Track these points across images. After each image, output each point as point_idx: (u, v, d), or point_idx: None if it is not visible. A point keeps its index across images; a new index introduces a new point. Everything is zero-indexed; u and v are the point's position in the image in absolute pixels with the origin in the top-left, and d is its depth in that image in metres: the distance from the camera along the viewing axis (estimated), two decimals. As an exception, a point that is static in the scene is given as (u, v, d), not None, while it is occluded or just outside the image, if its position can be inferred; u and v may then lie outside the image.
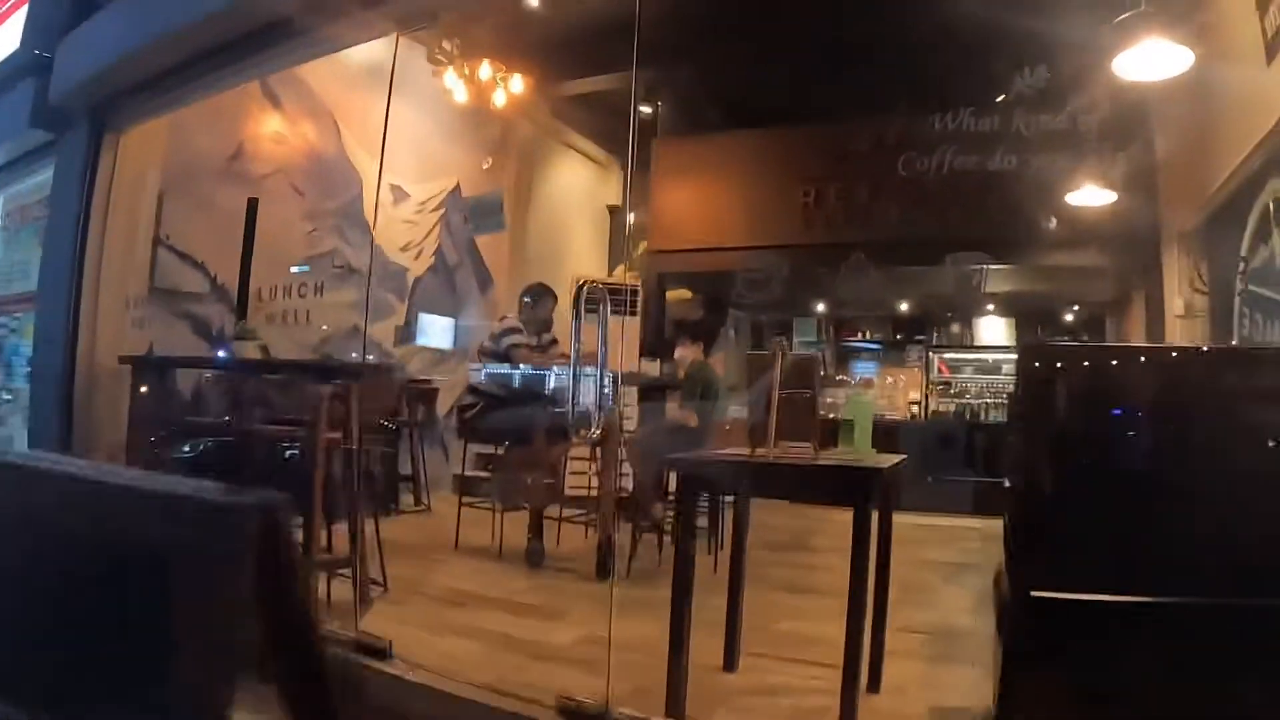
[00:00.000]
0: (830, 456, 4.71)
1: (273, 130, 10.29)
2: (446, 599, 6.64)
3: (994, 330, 15.78)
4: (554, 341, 8.41)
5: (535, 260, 13.73)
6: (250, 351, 7.89)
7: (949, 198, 11.25)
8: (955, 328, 16.23)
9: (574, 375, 6.35)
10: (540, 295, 8.51)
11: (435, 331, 12.46)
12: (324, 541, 6.04)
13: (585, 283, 6.55)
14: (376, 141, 11.23)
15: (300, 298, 10.52)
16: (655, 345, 12.23)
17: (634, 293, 12.62)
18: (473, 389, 8.30)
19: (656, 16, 10.96)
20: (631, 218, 12.84)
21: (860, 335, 17.41)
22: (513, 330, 8.19)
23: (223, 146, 9.68)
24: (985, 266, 12.31)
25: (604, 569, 7.22)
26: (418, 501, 10.59)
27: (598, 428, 6.50)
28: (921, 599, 6.70)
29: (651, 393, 10.01)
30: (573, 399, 6.56)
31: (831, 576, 4.75)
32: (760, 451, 4.30)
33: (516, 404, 8.00)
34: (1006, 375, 14.58)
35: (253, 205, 9.14)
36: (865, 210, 11.80)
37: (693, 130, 13.81)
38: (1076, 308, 15.25)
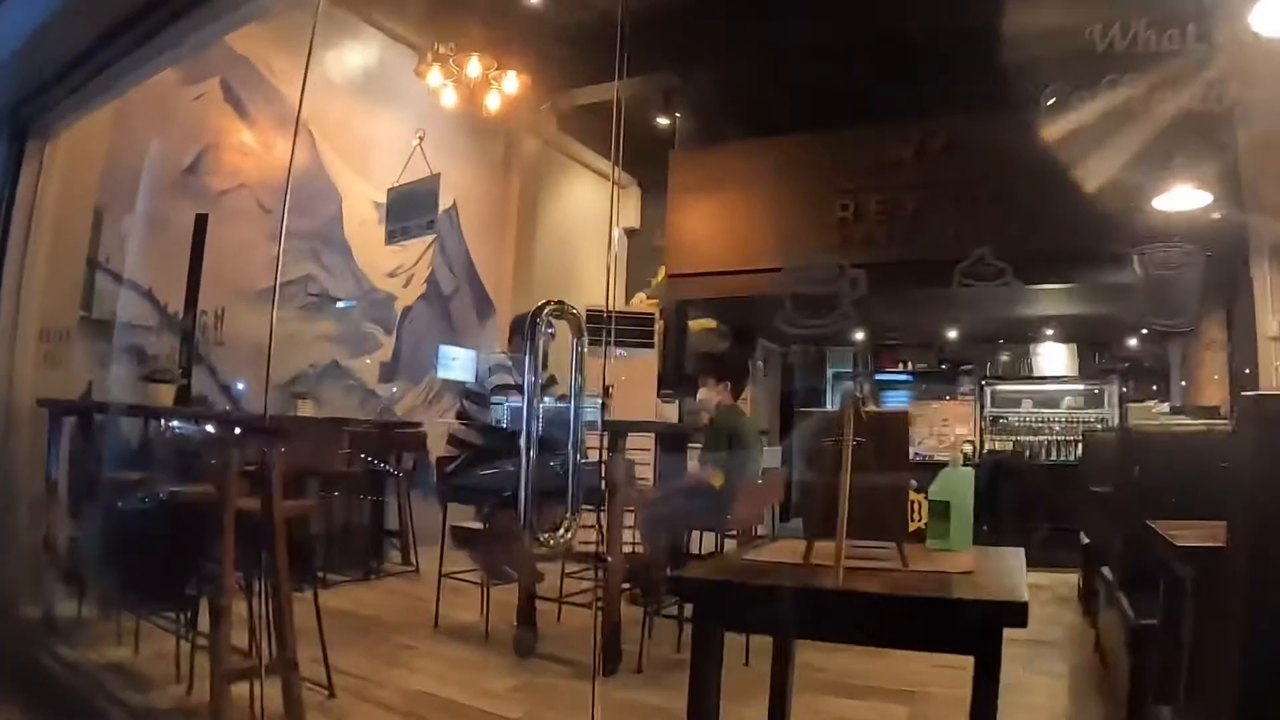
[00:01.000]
0: (926, 563, 3.02)
1: (237, 140, 9.09)
2: (405, 708, 5.25)
3: (1053, 358, 14.39)
4: (552, 381, 7.06)
5: (542, 286, 12.67)
6: (162, 396, 6.55)
7: (1009, 207, 9.98)
8: (1007, 356, 14.87)
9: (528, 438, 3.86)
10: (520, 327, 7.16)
11: (457, 365, 11.18)
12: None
13: (547, 304, 5.15)
14: (359, 154, 10.10)
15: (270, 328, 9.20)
16: (676, 383, 10.92)
17: (646, 321, 11.35)
18: (453, 438, 6.93)
19: (668, 16, 10.10)
20: (615, 233, 11.48)
21: (901, 366, 16.07)
22: (500, 368, 6.84)
23: (176, 157, 8.49)
24: (1047, 286, 10.97)
25: (610, 657, 5.84)
26: (405, 560, 9.51)
27: (570, 526, 3.94)
28: (1016, 703, 5.20)
29: (671, 442, 8.72)
30: (525, 479, 3.84)
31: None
32: (820, 559, 2.81)
33: (505, 456, 6.60)
34: (1069, 410, 13.25)
35: (201, 222, 7.86)
36: (911, 224, 10.55)
37: (714, 140, 12.51)
38: (1145, 331, 13.78)
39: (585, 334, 4.02)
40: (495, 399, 6.72)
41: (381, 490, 9.67)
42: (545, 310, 3.90)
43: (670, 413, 8.29)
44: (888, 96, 10.79)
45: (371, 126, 10.37)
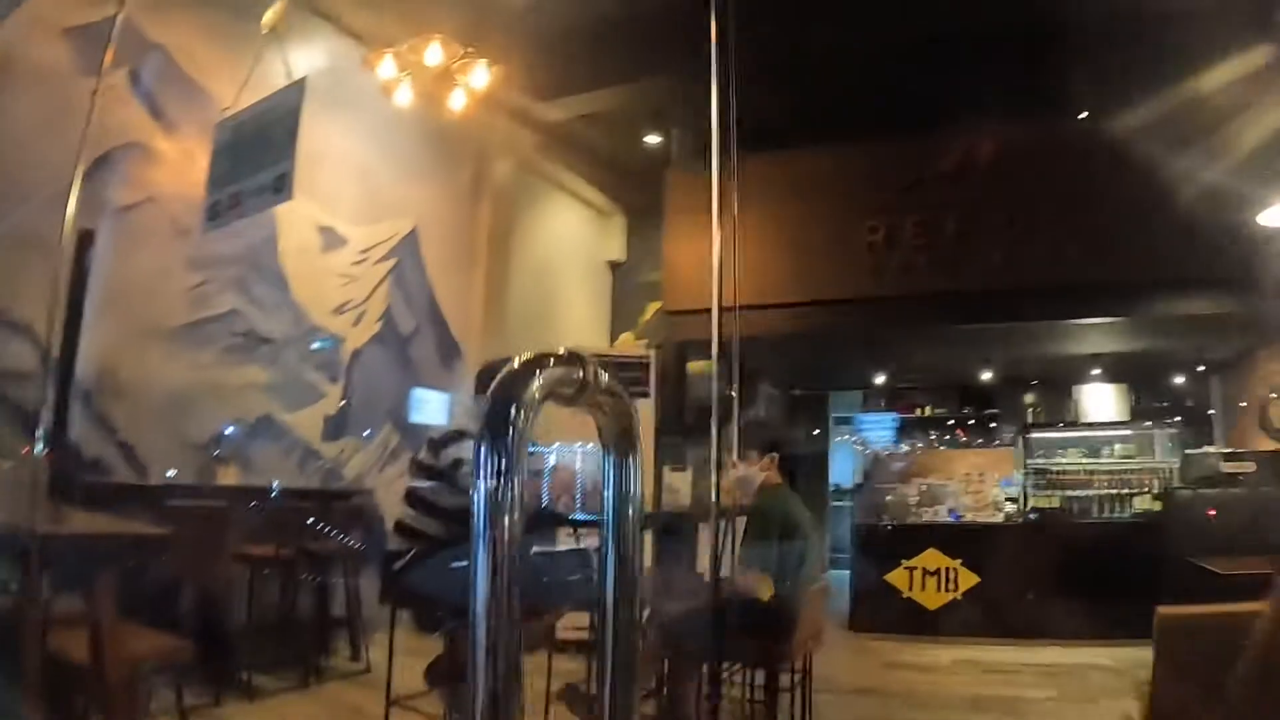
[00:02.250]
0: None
1: (147, 145, 7.49)
2: None
3: (1098, 401, 12.93)
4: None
5: (517, 326, 11.28)
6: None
7: (1068, 229, 8.80)
8: (1032, 398, 13.50)
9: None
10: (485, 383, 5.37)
11: (431, 409, 9.90)
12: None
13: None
14: (301, 167, 8.40)
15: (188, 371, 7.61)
16: (678, 443, 9.36)
17: (640, 366, 9.83)
18: (400, 527, 5.20)
19: (661, 13, 8.82)
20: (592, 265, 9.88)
21: (918, 411, 14.59)
22: (461, 436, 5.11)
23: (65, 163, 6.76)
24: (1093, 321, 9.62)
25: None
26: (354, 656, 7.97)
27: None
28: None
29: (672, 528, 7.09)
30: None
31: None
32: None
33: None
34: (1121, 459, 11.72)
35: (85, 240, 6.17)
36: (955, 248, 9.17)
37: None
38: (1202, 368, 12.67)
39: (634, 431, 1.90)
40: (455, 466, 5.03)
41: (325, 571, 8.06)
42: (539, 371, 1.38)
43: (680, 484, 6.48)
44: (922, 102, 9.43)
45: (316, 134, 8.74)
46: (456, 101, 8.31)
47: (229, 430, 7.90)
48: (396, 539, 5.15)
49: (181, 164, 7.62)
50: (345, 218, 9.22)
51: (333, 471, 8.89)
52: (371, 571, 8.37)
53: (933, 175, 9.29)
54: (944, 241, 9.13)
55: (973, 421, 14.18)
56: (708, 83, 10.36)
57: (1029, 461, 11.42)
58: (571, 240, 13.22)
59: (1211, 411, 12.97)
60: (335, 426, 8.98)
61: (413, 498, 5.15)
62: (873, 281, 9.26)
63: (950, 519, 10.96)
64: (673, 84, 10.34)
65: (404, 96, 8.21)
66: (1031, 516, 10.92)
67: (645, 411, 9.75)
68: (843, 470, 16.35)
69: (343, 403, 9.09)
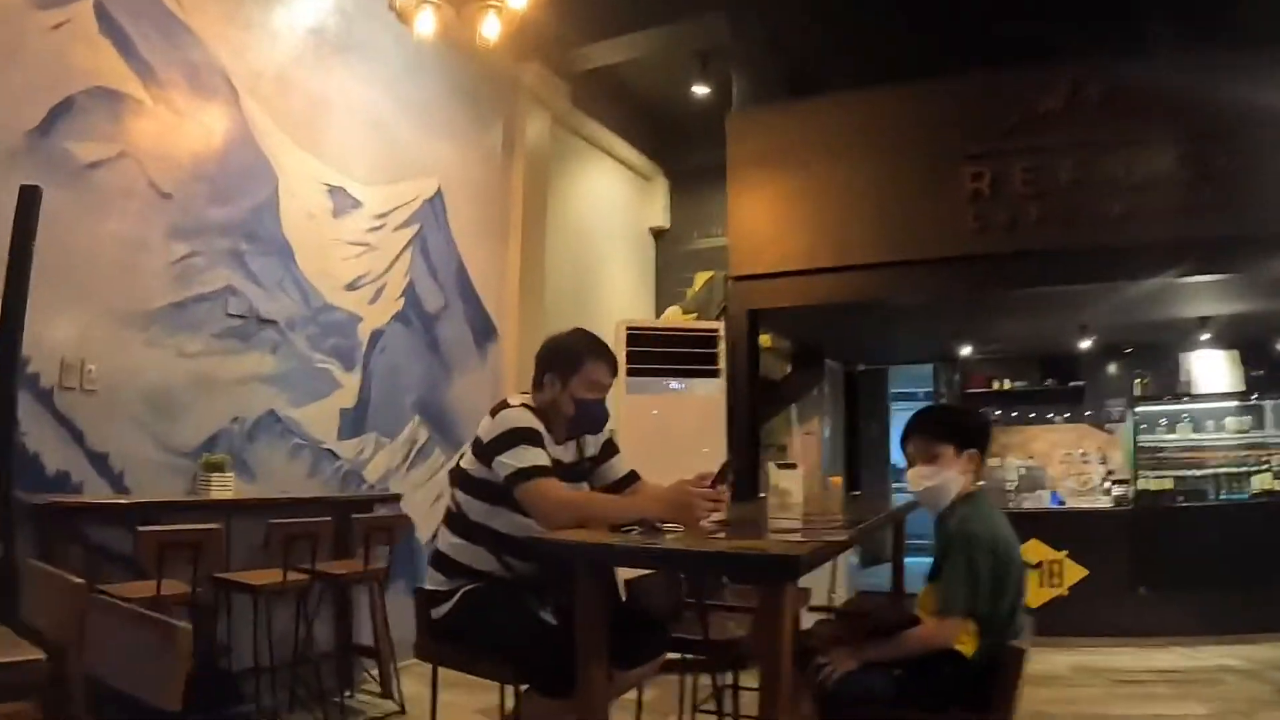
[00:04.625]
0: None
1: (118, 91, 6.18)
2: None
3: (1209, 370, 11.47)
4: (611, 450, 4.30)
5: (556, 299, 10.15)
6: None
7: (1197, 174, 7.67)
8: (1142, 368, 11.92)
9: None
10: (581, 356, 4.02)
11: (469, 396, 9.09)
12: None
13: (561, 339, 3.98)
14: (305, 119, 7.50)
15: (173, 362, 6.40)
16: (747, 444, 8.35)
17: (708, 341, 8.86)
18: (440, 560, 3.90)
19: None
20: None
21: (994, 384, 13.17)
22: (521, 434, 3.75)
23: (21, 112, 5.65)
24: (1203, 279, 8.21)
25: None
26: (385, 692, 6.86)
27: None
28: None
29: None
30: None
31: None
32: None
33: (543, 593, 3.80)
34: (1238, 434, 10.42)
35: (29, 198, 4.83)
36: (1067, 199, 7.96)
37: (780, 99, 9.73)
38: None
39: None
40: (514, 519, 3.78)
41: (346, 594, 7.00)
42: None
43: (791, 485, 5.10)
44: (1024, 29, 8.26)
45: (322, 80, 7.72)
46: (490, 29, 6.92)
47: (225, 432, 6.64)
48: (435, 575, 3.83)
49: (162, 114, 6.40)
50: (359, 177, 7.97)
51: (352, 474, 7.66)
52: (402, 589, 7.21)
53: (1039, 115, 8.01)
54: (1057, 190, 7.89)
55: (1056, 395, 12.69)
56: (769, 12, 9.20)
57: (1138, 439, 10.11)
58: (612, 205, 12.11)
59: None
60: (353, 422, 7.76)
61: (455, 520, 3.83)
62: (976, 237, 7.99)
63: (1052, 504, 10.04)
64: (728, 20, 9.26)
65: (425, 25, 6.84)
66: (1142, 500, 9.66)
67: (714, 394, 8.51)
68: (900, 451, 15.13)
69: (361, 394, 7.85)
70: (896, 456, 14.74)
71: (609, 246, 11.91)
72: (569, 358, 3.99)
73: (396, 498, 7.58)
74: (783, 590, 2.82)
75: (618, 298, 11.83)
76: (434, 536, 4.85)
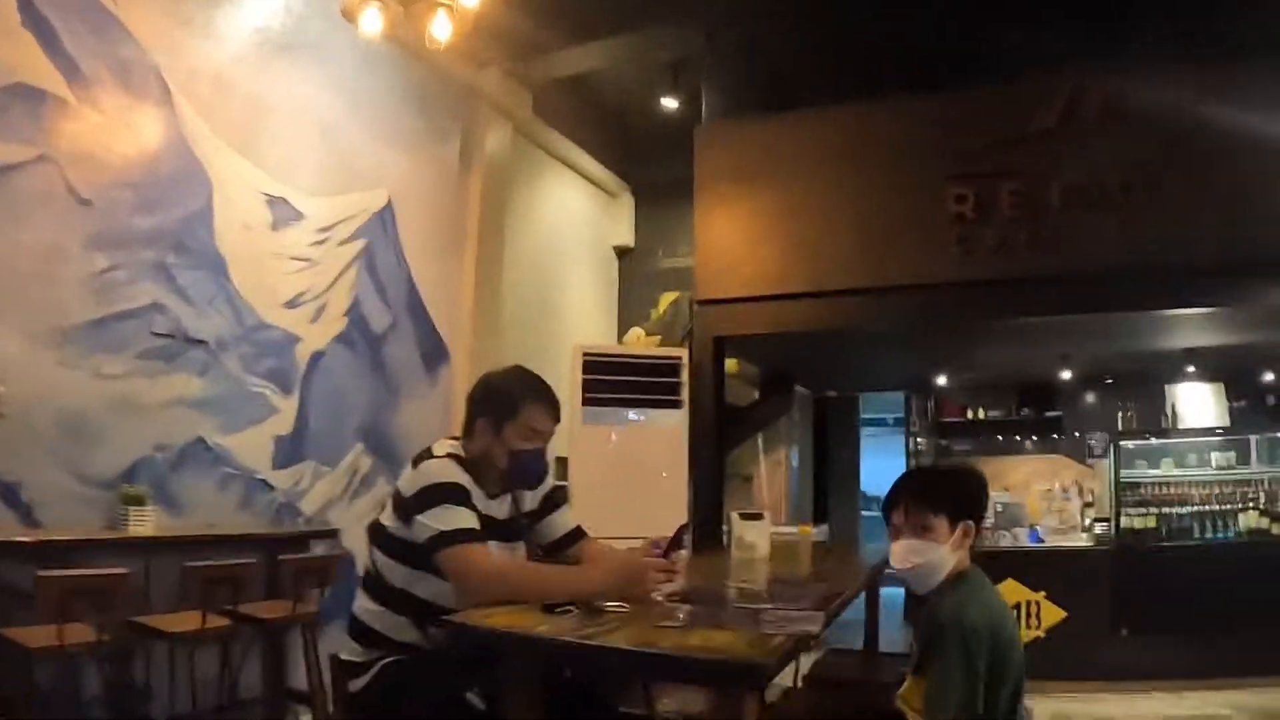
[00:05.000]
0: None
1: (39, 89, 5.80)
2: None
3: (1194, 403, 11.26)
4: (552, 503, 3.85)
5: (514, 320, 9.78)
6: None
7: (1201, 195, 7.23)
8: (1126, 401, 11.73)
9: None
10: (519, 399, 3.59)
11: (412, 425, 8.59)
12: None
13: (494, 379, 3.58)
14: (243, 123, 7.08)
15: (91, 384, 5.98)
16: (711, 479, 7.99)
17: (670, 369, 8.46)
18: (356, 626, 3.45)
19: None
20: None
21: (969, 413, 13.00)
22: (443, 491, 3.31)
23: None
24: (1188, 312, 7.97)
25: None
26: None
27: None
28: None
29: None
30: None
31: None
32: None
33: (471, 670, 3.13)
34: (1223, 470, 9.92)
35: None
36: (1059, 221, 7.54)
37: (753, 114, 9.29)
38: None
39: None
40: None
41: (280, 637, 6.40)
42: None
43: (756, 538, 4.64)
44: (1015, 41, 7.91)
45: (264, 81, 7.32)
46: (440, 30, 6.50)
47: (147, 461, 6.20)
48: (352, 644, 3.39)
49: (87, 115, 6.03)
50: (302, 187, 7.56)
51: (287, 507, 7.23)
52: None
53: (1030, 132, 7.61)
54: (1048, 213, 7.49)
55: (1033, 425, 12.56)
56: (743, 21, 8.84)
57: (1120, 474, 9.76)
58: (574, 221, 11.71)
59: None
60: (290, 450, 7.33)
61: (374, 584, 3.38)
62: (960, 262, 7.61)
63: (1030, 542, 9.64)
64: (701, 29, 8.90)
65: (371, 23, 6.42)
66: (1124, 539, 9.34)
67: (676, 426, 8.07)
68: (874, 478, 15.25)
69: (299, 419, 7.43)
70: (867, 484, 15.06)
71: (571, 265, 11.54)
72: (504, 401, 3.54)
73: (333, 533, 7.14)
74: (743, 699, 2.48)
75: (579, 318, 11.44)
76: (555, 552, 4.40)
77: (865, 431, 15.49)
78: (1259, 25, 7.25)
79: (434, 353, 8.78)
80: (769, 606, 2.94)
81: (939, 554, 3.30)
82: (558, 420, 3.66)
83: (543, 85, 9.90)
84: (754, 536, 4.52)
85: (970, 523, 3.36)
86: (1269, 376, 11.49)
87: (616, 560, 3.32)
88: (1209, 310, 7.77)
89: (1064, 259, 7.40)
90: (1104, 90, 7.44)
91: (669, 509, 7.65)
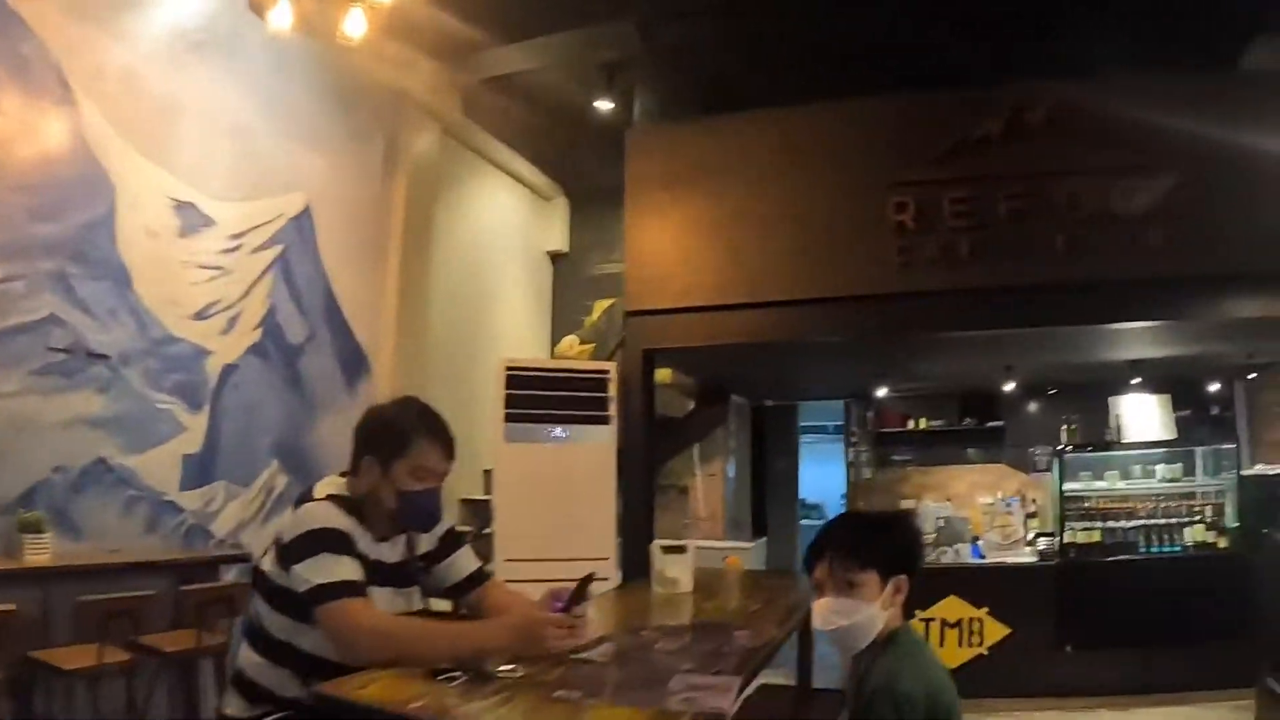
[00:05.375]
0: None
1: None
2: None
3: (1139, 415, 11.04)
4: (451, 544, 3.53)
5: (441, 331, 9.54)
6: None
7: (1147, 211, 7.19)
8: (1070, 412, 11.64)
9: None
10: (408, 435, 3.26)
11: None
12: None
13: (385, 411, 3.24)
14: (153, 127, 7.11)
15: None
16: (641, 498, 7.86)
17: (598, 384, 8.03)
18: (240, 680, 3.13)
19: None
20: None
21: (911, 423, 13.11)
22: (321, 539, 3.02)
23: None
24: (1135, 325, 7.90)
25: None
26: None
27: None
28: None
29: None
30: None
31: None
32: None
33: None
34: (1168, 482, 9.67)
35: None
36: (1006, 232, 7.42)
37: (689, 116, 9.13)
38: (1252, 375, 11.32)
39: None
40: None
41: (189, 669, 6.08)
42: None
43: (679, 571, 4.41)
44: (961, 48, 7.94)
45: (174, 80, 7.02)
46: (354, 27, 6.24)
47: (45, 484, 5.90)
48: (235, 698, 3.10)
49: None
50: (213, 192, 7.30)
51: (197, 530, 6.93)
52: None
53: (975, 140, 7.48)
54: (995, 222, 7.37)
55: (975, 435, 12.70)
56: (681, 20, 8.62)
57: (1064, 487, 9.63)
58: (506, 226, 11.51)
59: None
60: (199, 469, 7.04)
61: (256, 635, 3.11)
62: (901, 273, 7.47)
63: (973, 558, 9.44)
64: (637, 29, 8.63)
65: (282, 19, 6.15)
66: (1068, 554, 9.20)
67: (605, 443, 7.78)
68: (813, 485, 15.45)
69: (209, 437, 7.12)
70: (806, 491, 14.94)
71: (502, 271, 11.32)
72: (393, 437, 3.20)
73: (245, 557, 6.73)
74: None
75: (511, 327, 11.24)
76: (456, 597, 4.08)
77: (805, 439, 15.30)
78: (1207, 37, 7.20)
79: (355, 364, 8.51)
80: (681, 670, 2.68)
81: (868, 613, 2.98)
82: (452, 458, 3.32)
83: (473, 86, 9.65)
84: (676, 571, 4.25)
85: (903, 577, 3.05)
86: (1213, 387, 11.54)
87: (515, 617, 3.02)
88: (1154, 324, 7.69)
89: (1008, 271, 7.28)
90: (1050, 100, 7.33)
91: (597, 530, 7.43)
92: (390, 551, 3.25)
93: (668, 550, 4.46)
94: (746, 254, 7.90)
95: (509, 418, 7.45)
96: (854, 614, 2.98)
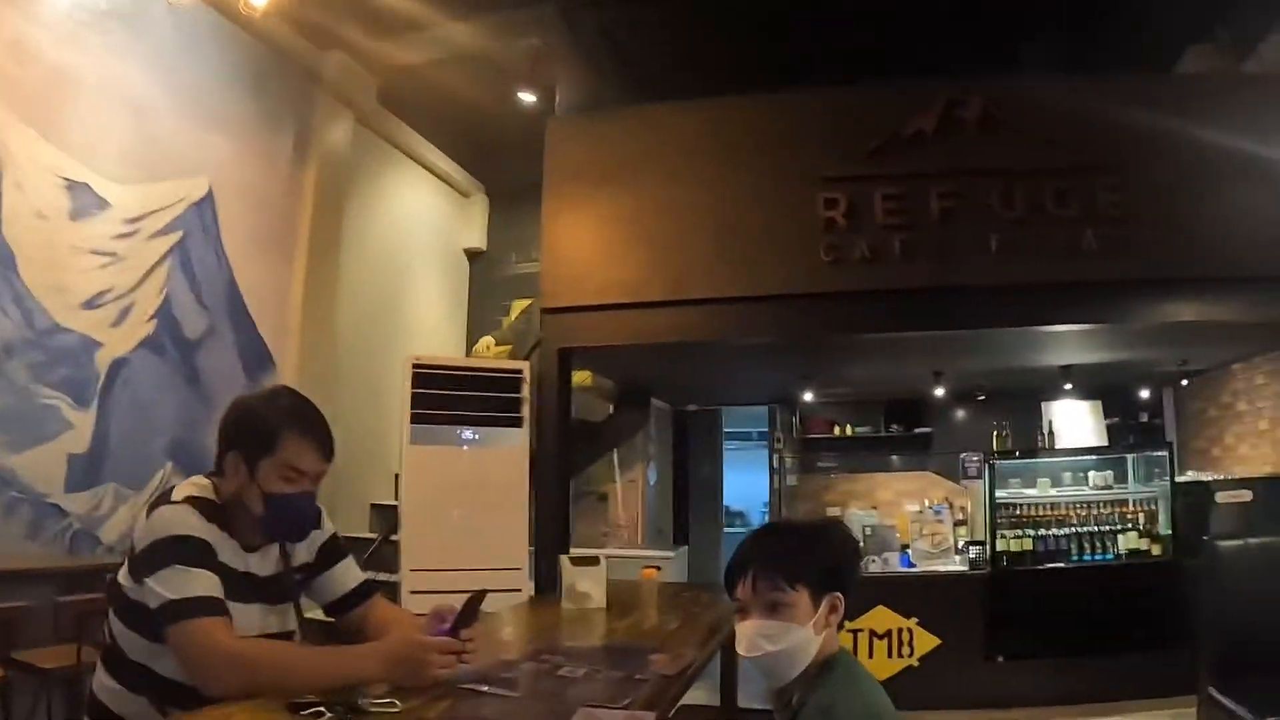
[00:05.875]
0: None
1: None
2: None
3: (1071, 421, 11.04)
4: (333, 555, 3.22)
5: (352, 327, 9.29)
6: None
7: (1085, 211, 7.05)
8: (1001, 418, 11.37)
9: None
10: (276, 430, 2.89)
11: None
12: None
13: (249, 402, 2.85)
14: (43, 99, 6.57)
15: None
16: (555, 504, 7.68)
17: (511, 384, 7.72)
18: (94, 707, 2.81)
19: None
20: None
21: (836, 429, 13.17)
22: (174, 547, 2.67)
23: None
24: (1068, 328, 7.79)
25: None
26: None
27: None
28: None
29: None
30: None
31: None
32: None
33: None
34: (1101, 490, 9.61)
35: None
36: (939, 231, 7.21)
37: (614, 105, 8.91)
38: (1185, 382, 11.36)
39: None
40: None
41: (73, 686, 5.63)
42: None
43: (591, 585, 4.15)
44: (895, 42, 7.99)
45: (71, 53, 6.67)
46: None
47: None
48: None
49: None
50: (108, 172, 6.92)
51: (84, 535, 6.55)
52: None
53: (907, 136, 7.28)
54: (927, 221, 7.18)
55: (902, 442, 12.77)
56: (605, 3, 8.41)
57: (994, 495, 9.51)
58: (422, 221, 11.28)
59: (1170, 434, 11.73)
60: (87, 470, 6.66)
61: (111, 657, 2.82)
62: (829, 272, 7.25)
63: (902, 566, 9.37)
64: (559, 16, 8.52)
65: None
66: (999, 563, 9.15)
67: (518, 446, 7.49)
68: (737, 493, 15.46)
69: (97, 435, 6.74)
70: (730, 498, 14.90)
71: (418, 268, 11.08)
72: (258, 432, 2.86)
73: (113, 572, 6.40)
74: None
75: (425, 325, 11.00)
76: (339, 613, 3.68)
77: (729, 445, 15.23)
78: (1144, 38, 7.10)
79: (257, 360, 8.16)
80: (586, 704, 2.42)
81: (799, 637, 2.61)
82: (328, 458, 2.96)
83: (390, 73, 9.37)
84: (587, 585, 4.01)
85: (838, 595, 2.68)
86: (1143, 394, 11.53)
87: (389, 641, 2.74)
88: (1088, 327, 7.60)
89: (940, 271, 7.08)
90: (985, 98, 7.17)
91: (509, 539, 7.12)
92: (261, 563, 2.91)
93: (578, 563, 4.20)
94: (668, 250, 7.63)
95: (415, 418, 7.12)
96: (783, 638, 2.61)
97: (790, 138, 7.58)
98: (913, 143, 7.24)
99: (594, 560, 4.25)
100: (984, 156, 7.14)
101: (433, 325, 11.18)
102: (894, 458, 12.53)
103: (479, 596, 2.82)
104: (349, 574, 3.21)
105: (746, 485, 15.19)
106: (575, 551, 4.56)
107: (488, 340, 10.07)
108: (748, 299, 7.42)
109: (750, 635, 2.63)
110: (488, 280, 11.90)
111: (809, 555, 2.71)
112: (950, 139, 7.21)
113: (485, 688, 2.66)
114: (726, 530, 14.31)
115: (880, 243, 7.16)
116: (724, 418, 14.59)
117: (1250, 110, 7.05)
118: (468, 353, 10.95)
